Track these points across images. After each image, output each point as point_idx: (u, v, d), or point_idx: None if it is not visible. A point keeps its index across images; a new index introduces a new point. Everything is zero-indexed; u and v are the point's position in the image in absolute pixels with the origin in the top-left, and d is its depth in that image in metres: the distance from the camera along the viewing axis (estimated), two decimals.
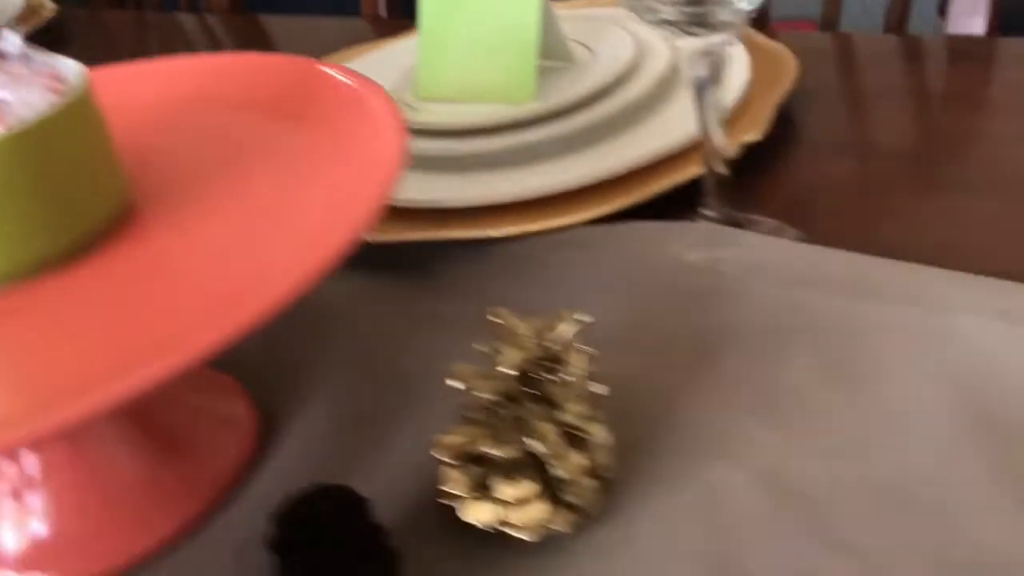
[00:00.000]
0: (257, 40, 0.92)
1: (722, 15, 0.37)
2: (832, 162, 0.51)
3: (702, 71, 0.39)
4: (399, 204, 0.49)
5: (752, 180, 0.50)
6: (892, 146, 0.52)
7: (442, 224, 0.48)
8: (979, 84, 0.56)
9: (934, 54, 0.62)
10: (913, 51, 0.63)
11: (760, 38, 0.61)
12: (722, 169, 0.43)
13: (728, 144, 0.42)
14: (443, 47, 0.57)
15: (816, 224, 0.45)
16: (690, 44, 0.38)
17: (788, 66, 0.56)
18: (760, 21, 0.80)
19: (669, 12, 0.37)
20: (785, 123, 0.53)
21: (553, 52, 0.57)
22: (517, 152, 0.51)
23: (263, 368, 0.41)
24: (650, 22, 0.38)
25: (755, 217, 0.45)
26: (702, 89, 0.39)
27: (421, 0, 0.57)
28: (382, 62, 0.63)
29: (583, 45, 0.59)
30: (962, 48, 0.62)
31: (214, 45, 0.93)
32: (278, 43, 0.90)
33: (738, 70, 0.55)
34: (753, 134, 0.50)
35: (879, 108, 0.56)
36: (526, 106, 0.52)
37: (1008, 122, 0.52)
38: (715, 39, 0.38)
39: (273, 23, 0.94)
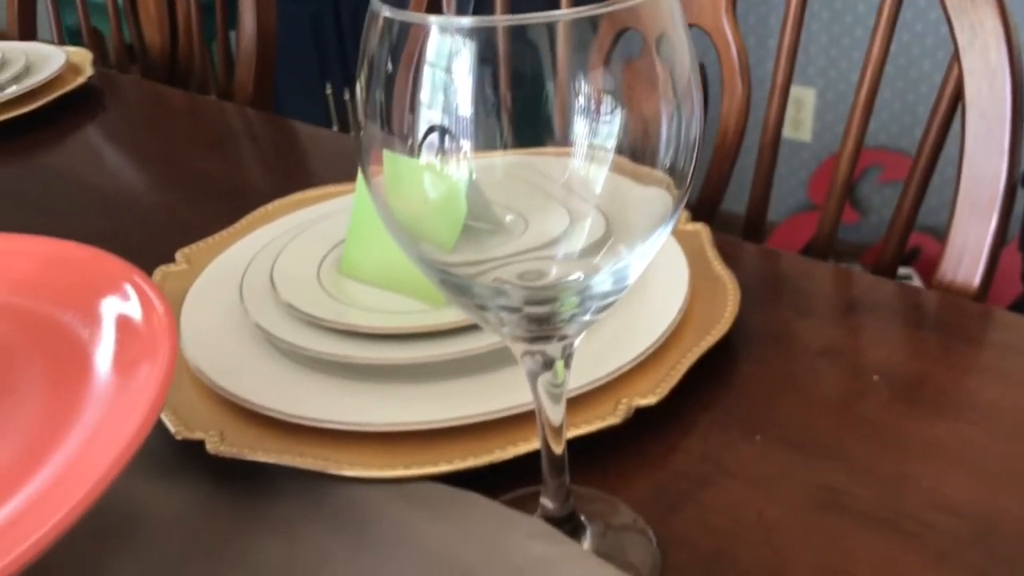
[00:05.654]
0: (286, 142, 0.92)
1: (565, 329, 0.34)
2: (732, 447, 0.46)
3: (532, 365, 0.35)
4: (259, 411, 0.46)
5: (629, 453, 0.45)
6: (817, 442, 0.46)
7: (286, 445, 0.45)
8: (957, 376, 0.51)
9: (922, 315, 0.57)
10: (903, 303, 0.57)
11: (713, 259, 0.56)
12: (559, 451, 0.39)
13: (564, 425, 0.38)
14: (372, 231, 0.54)
15: (682, 527, 0.41)
16: (518, 347, 0.35)
17: (726, 307, 0.52)
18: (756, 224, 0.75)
19: (511, 325, 0.33)
20: (698, 382, 0.49)
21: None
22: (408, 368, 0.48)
23: None
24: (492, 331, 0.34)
25: (603, 502, 0.42)
26: (533, 378, 0.36)
27: (358, 179, 0.55)
28: (318, 222, 0.61)
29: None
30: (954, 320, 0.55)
31: (244, 139, 0.94)
32: (305, 150, 0.90)
33: (666, 305, 0.51)
34: (650, 397, 0.46)
35: (823, 379, 0.50)
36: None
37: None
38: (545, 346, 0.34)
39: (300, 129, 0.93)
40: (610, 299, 0.33)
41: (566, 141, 0.31)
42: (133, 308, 0.36)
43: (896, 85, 1.85)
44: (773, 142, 0.71)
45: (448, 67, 0.29)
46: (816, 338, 0.53)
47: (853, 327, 0.54)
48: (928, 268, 1.81)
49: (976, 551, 0.39)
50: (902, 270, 1.85)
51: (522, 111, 0.30)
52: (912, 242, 1.65)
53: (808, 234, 1.95)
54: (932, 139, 0.64)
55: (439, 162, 0.31)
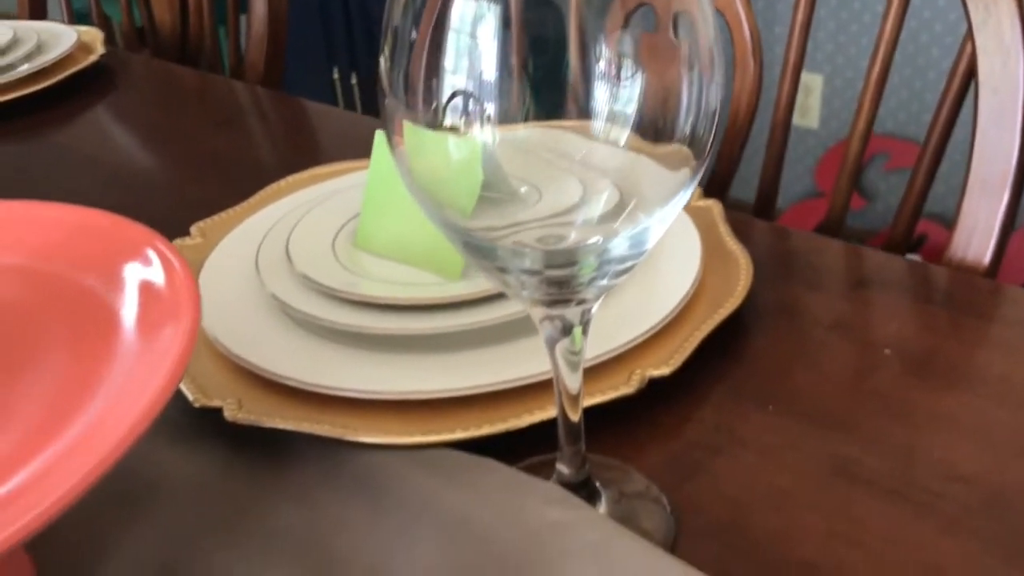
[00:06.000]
0: (295, 121, 0.92)
1: (584, 293, 0.34)
2: (745, 418, 0.46)
3: (551, 331, 0.36)
4: (277, 380, 0.47)
5: (643, 423, 0.46)
6: (829, 414, 0.46)
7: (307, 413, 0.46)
8: (967, 350, 0.51)
9: (933, 291, 0.57)
10: (913, 279, 0.57)
11: (725, 234, 0.57)
12: (575, 418, 0.39)
13: (581, 393, 0.39)
14: (387, 204, 0.55)
15: (695, 495, 0.42)
16: (537, 311, 0.35)
17: (738, 282, 0.53)
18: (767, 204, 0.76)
19: (531, 288, 0.34)
20: (711, 354, 0.49)
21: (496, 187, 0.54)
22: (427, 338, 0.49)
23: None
24: (513, 296, 0.35)
25: (617, 470, 0.42)
26: (552, 344, 0.36)
27: (372, 154, 0.55)
28: (332, 196, 0.61)
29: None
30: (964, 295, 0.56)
31: (252, 117, 0.94)
32: (313, 128, 0.90)
33: (679, 279, 0.51)
34: (664, 368, 0.46)
35: (834, 352, 0.51)
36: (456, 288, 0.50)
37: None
38: (564, 310, 0.35)
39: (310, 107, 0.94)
40: (628, 263, 0.34)
41: (587, 105, 0.31)
42: (156, 273, 0.37)
43: (904, 72, 1.85)
44: (785, 121, 0.71)
45: (472, 31, 0.30)
46: (827, 312, 0.53)
47: (864, 302, 0.54)
48: (935, 255, 1.81)
49: (985, 520, 0.40)
50: (909, 257, 1.85)
51: (543, 75, 0.31)
52: (919, 229, 1.64)
53: (815, 221, 1.95)
54: (943, 118, 0.64)
55: (462, 125, 0.31)
